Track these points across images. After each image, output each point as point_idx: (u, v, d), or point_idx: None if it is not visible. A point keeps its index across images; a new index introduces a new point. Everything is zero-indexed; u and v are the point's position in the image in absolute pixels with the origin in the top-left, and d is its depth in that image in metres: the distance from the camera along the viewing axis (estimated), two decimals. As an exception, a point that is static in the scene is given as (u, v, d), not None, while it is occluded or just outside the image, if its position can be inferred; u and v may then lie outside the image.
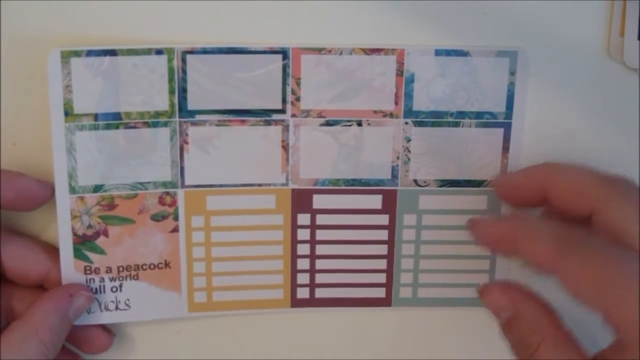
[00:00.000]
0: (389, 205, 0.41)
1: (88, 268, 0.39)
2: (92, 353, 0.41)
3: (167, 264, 0.41)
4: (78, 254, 0.39)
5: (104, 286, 0.40)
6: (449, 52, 0.39)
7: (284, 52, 0.39)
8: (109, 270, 0.40)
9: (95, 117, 0.38)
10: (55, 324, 0.37)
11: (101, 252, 0.39)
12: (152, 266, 0.40)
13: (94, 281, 0.40)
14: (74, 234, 0.39)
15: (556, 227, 0.33)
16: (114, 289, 0.40)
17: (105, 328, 0.41)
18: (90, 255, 0.39)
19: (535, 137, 0.41)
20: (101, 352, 0.41)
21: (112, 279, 0.40)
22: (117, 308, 0.40)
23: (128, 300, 0.40)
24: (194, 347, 0.43)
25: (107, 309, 0.40)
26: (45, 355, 0.36)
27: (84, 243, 0.39)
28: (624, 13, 0.39)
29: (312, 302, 0.42)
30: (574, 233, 0.33)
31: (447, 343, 0.44)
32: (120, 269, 0.40)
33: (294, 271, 0.42)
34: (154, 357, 0.43)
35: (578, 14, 0.40)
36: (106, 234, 0.39)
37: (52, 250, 0.40)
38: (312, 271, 0.42)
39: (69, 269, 0.39)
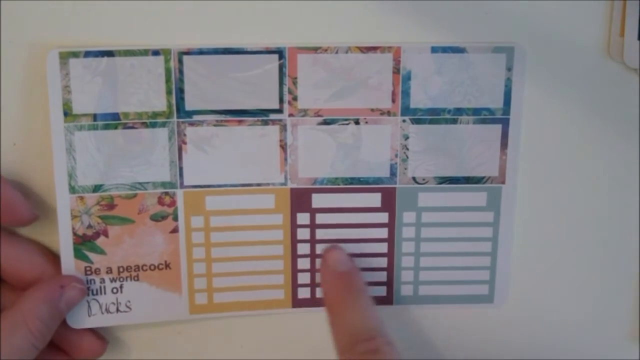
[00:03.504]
0: (388, 203, 0.41)
1: (88, 268, 0.40)
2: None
3: (167, 265, 0.41)
4: (78, 254, 0.39)
5: (104, 287, 0.40)
6: (445, 49, 0.40)
7: (280, 52, 0.39)
8: (109, 270, 0.40)
9: (94, 117, 0.38)
10: (45, 314, 0.37)
11: (101, 252, 0.40)
12: (152, 267, 0.40)
13: (94, 282, 0.40)
14: (74, 233, 0.39)
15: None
16: (115, 290, 0.40)
17: (97, 334, 0.41)
18: (91, 255, 0.40)
19: (534, 133, 0.41)
20: (94, 359, 0.41)
21: (112, 280, 0.40)
22: (118, 310, 0.40)
23: (129, 302, 0.41)
24: (194, 348, 0.43)
25: (108, 311, 0.40)
26: (34, 345, 0.37)
27: (84, 243, 0.39)
28: (624, 13, 0.40)
29: (314, 301, 0.42)
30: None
31: (448, 341, 0.44)
32: (121, 269, 0.40)
33: (295, 271, 0.42)
34: (154, 358, 0.43)
35: (578, 14, 0.40)
36: (106, 234, 0.40)
37: (48, 253, 0.40)
38: (313, 271, 0.42)
39: (70, 269, 0.39)
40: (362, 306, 0.39)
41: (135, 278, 0.40)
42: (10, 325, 0.36)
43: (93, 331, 0.41)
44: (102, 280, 0.40)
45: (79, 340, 0.40)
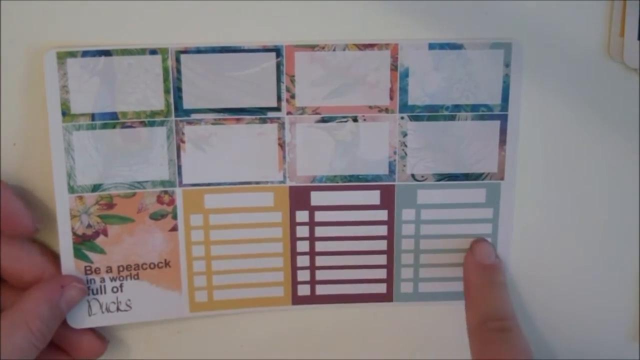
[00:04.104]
0: (387, 200, 0.41)
1: (88, 268, 0.40)
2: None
3: (167, 263, 0.41)
4: (78, 253, 0.40)
5: (104, 286, 0.40)
6: (442, 46, 0.39)
7: (277, 50, 0.39)
8: (109, 269, 0.40)
9: (92, 116, 0.38)
10: (46, 313, 0.37)
11: (101, 251, 0.40)
12: (152, 265, 0.41)
13: (94, 282, 0.40)
14: (74, 233, 0.39)
15: None
16: (115, 289, 0.40)
17: (98, 334, 0.41)
18: (90, 254, 0.40)
19: (532, 129, 0.41)
20: (94, 359, 0.41)
21: (112, 279, 0.40)
22: (118, 309, 0.41)
23: (129, 300, 0.41)
24: (194, 347, 0.43)
25: (108, 310, 0.41)
26: (34, 345, 0.37)
27: (83, 242, 0.40)
28: (624, 13, 0.39)
29: (313, 299, 0.42)
30: None
31: (448, 338, 0.44)
32: (121, 268, 0.40)
33: (294, 268, 0.42)
34: (154, 357, 0.43)
35: (578, 14, 0.40)
36: (105, 233, 0.40)
37: (48, 253, 0.40)
38: (312, 268, 0.42)
39: (70, 269, 0.40)
40: (500, 295, 0.41)
41: (135, 277, 0.41)
42: (11, 324, 0.36)
43: (93, 331, 0.41)
44: (102, 280, 0.40)
45: (79, 340, 0.40)
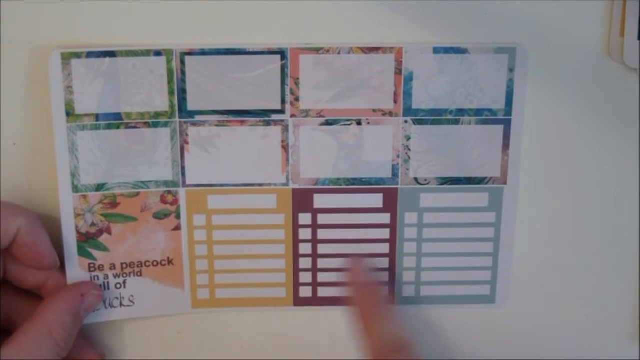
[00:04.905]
0: (390, 203, 0.41)
1: (92, 265, 0.40)
2: None
3: (170, 261, 0.41)
4: (82, 251, 0.40)
5: (108, 283, 0.41)
6: (447, 50, 0.39)
7: (282, 53, 0.39)
8: (112, 267, 0.41)
9: (97, 117, 0.39)
10: (68, 323, 0.38)
11: (105, 249, 0.40)
12: (155, 263, 0.41)
13: (98, 278, 0.40)
14: (78, 231, 0.40)
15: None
16: (118, 286, 0.41)
17: (96, 350, 0.41)
18: (94, 252, 0.40)
19: (535, 134, 0.41)
20: None
21: (115, 276, 0.41)
22: (121, 304, 0.41)
23: (132, 296, 0.41)
24: (194, 347, 0.43)
25: (111, 305, 0.41)
26: (59, 354, 0.37)
27: (87, 241, 0.40)
28: (624, 13, 0.39)
29: (315, 300, 0.43)
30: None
31: (450, 341, 0.44)
32: (124, 265, 0.41)
33: (296, 270, 0.42)
34: (154, 357, 0.43)
35: (578, 14, 0.40)
36: (109, 232, 0.40)
37: None
38: (315, 270, 0.42)
39: (74, 266, 0.40)
40: (393, 318, 0.39)
41: (138, 274, 0.41)
42: (37, 337, 0.37)
43: (92, 345, 0.41)
44: (106, 277, 0.41)
45: (77, 354, 0.40)
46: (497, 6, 0.39)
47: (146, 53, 0.38)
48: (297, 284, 0.42)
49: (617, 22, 0.39)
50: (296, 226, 0.42)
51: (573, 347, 0.44)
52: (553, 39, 0.40)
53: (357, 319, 0.40)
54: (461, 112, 0.40)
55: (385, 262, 0.42)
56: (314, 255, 0.42)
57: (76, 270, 0.40)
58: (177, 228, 0.41)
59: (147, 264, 0.41)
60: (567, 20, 0.40)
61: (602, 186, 0.42)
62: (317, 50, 0.39)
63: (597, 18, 0.40)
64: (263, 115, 0.40)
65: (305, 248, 0.42)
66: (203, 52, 0.39)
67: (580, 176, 0.42)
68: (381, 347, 0.38)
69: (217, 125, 0.40)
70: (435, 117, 0.40)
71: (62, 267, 0.40)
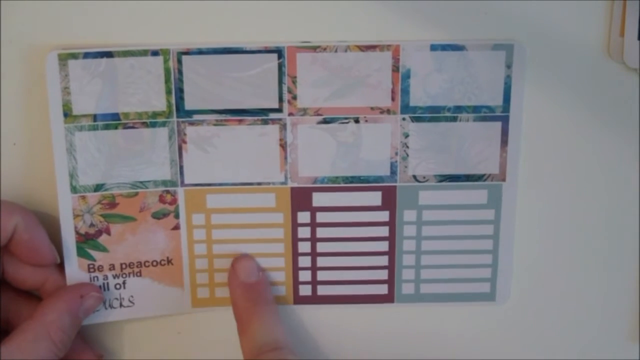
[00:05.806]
0: (389, 201, 0.41)
1: (91, 266, 0.40)
2: None
3: (169, 261, 0.41)
4: (81, 252, 0.40)
5: (107, 284, 0.41)
6: (444, 47, 0.39)
7: (279, 51, 0.39)
8: (112, 267, 0.41)
9: (94, 117, 0.39)
10: (67, 324, 0.38)
11: (104, 249, 0.40)
12: (154, 263, 0.41)
13: (97, 279, 0.41)
14: (77, 232, 0.40)
15: None
16: (118, 286, 0.41)
17: (94, 352, 0.41)
18: (93, 253, 0.40)
19: (534, 130, 0.41)
20: None
21: (115, 276, 0.41)
22: (121, 305, 0.41)
23: (132, 297, 0.41)
24: (194, 347, 0.43)
25: (111, 306, 0.41)
26: (56, 355, 0.37)
27: (86, 241, 0.40)
28: (624, 13, 0.39)
29: (315, 299, 0.43)
30: None
31: (450, 339, 0.44)
32: (123, 266, 0.41)
33: (296, 269, 0.42)
34: (154, 358, 0.43)
35: (578, 14, 0.40)
36: (108, 232, 0.40)
37: None
38: (314, 269, 0.42)
39: (73, 267, 0.40)
40: (270, 318, 0.40)
41: (138, 274, 0.41)
42: (34, 337, 0.37)
43: (89, 346, 0.41)
44: (105, 277, 0.41)
45: (75, 355, 0.40)
46: (496, 5, 0.39)
47: (143, 53, 0.38)
48: (296, 283, 0.42)
49: (617, 22, 0.39)
50: (295, 225, 0.42)
51: (573, 347, 0.44)
52: (553, 39, 0.40)
53: (235, 318, 0.40)
54: (459, 109, 0.40)
55: (384, 260, 0.42)
56: (313, 254, 0.42)
57: (75, 271, 0.40)
58: (176, 228, 0.41)
59: (147, 264, 0.41)
60: (567, 20, 0.40)
61: (602, 185, 0.42)
62: (314, 48, 0.39)
63: (597, 18, 0.40)
64: (261, 114, 0.40)
65: (304, 246, 0.42)
66: (200, 52, 0.39)
67: (580, 174, 0.42)
68: (255, 347, 0.38)
69: (215, 125, 0.40)
70: (433, 114, 0.40)
71: (61, 267, 0.40)
